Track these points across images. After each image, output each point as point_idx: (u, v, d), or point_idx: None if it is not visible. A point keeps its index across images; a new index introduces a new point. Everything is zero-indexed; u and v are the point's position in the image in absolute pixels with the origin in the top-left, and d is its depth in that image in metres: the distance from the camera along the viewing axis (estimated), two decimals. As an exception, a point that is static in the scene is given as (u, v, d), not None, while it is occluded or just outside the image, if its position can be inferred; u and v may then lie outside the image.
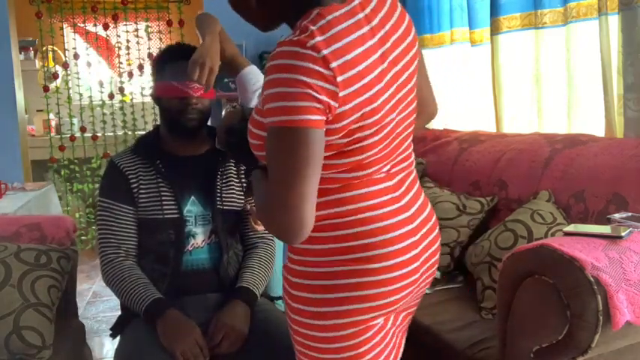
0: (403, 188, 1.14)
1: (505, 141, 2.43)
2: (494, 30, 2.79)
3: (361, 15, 1.04)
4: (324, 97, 0.95)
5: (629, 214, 1.66)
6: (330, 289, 1.07)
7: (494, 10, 2.78)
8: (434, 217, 1.22)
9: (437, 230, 1.22)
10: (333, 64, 0.96)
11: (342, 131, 1.00)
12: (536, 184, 2.13)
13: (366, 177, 1.07)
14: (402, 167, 1.15)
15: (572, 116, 2.48)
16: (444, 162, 2.61)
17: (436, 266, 1.22)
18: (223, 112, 2.28)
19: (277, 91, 0.95)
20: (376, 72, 1.03)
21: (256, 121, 1.07)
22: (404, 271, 1.09)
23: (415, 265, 1.12)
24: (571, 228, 1.60)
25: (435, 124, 3.18)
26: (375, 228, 1.07)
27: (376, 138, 1.05)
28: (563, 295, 1.37)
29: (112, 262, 1.66)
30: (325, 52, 0.96)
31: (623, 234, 1.49)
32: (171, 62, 1.66)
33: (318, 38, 0.97)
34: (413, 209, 1.14)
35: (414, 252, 1.11)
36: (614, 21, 2.16)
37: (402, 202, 1.12)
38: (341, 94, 0.97)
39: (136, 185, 1.68)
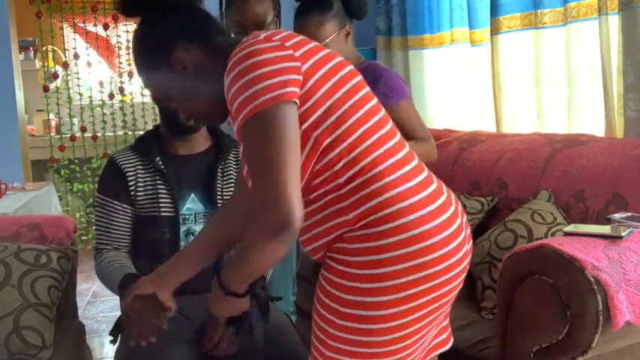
0: (426, 170, 1.15)
1: (505, 141, 2.43)
2: (494, 30, 2.80)
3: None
4: (291, 71, 1.01)
5: (629, 214, 1.66)
6: (392, 290, 1.04)
7: (494, 10, 2.78)
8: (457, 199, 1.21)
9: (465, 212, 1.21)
10: (288, 44, 1.04)
11: (322, 103, 1.04)
12: (536, 184, 2.13)
13: (392, 156, 1.08)
14: (413, 152, 1.17)
15: (572, 116, 2.48)
16: (444, 162, 2.61)
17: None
18: None
19: (241, 83, 0.99)
20: (330, 64, 1.09)
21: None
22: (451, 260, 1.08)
23: (465, 249, 1.12)
24: (571, 228, 1.61)
25: (435, 124, 3.19)
26: (424, 229, 1.05)
27: (359, 113, 1.07)
28: (563, 295, 1.37)
29: (98, 256, 1.68)
30: (277, 37, 1.05)
31: (623, 234, 1.50)
32: None
33: (264, 34, 1.06)
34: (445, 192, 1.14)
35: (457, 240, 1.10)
36: (614, 21, 2.16)
37: (435, 185, 1.12)
38: (304, 67, 1.03)
39: (133, 182, 1.68)
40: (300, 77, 1.02)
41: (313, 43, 1.11)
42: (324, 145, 1.05)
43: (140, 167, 1.70)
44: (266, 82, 0.98)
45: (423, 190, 1.08)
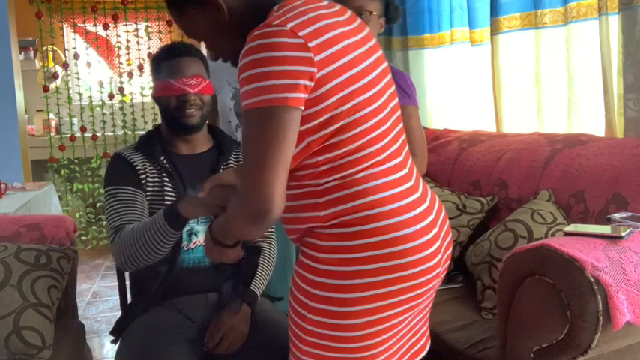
0: (414, 178, 1.16)
1: (505, 141, 2.43)
2: (494, 30, 2.79)
3: (331, 8, 1.09)
4: (304, 76, 0.99)
5: (629, 214, 1.66)
6: (360, 288, 1.07)
7: (494, 10, 2.78)
8: (442, 208, 1.23)
9: (448, 221, 1.23)
10: (312, 44, 1.01)
11: (325, 113, 1.03)
12: (536, 184, 2.13)
13: (381, 165, 1.09)
14: (408, 159, 1.18)
15: (572, 116, 2.48)
16: (444, 162, 2.61)
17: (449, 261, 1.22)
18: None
19: (253, 72, 0.98)
20: (355, 53, 1.07)
21: None
22: (429, 264, 1.11)
23: (438, 257, 1.13)
24: (571, 228, 1.61)
25: (435, 124, 3.19)
26: (396, 222, 1.07)
27: (360, 128, 1.07)
28: (563, 295, 1.37)
29: (118, 234, 1.58)
30: (303, 33, 1.01)
31: (623, 234, 1.50)
32: (167, 60, 1.67)
33: (291, 23, 1.01)
34: (428, 200, 1.16)
35: (436, 244, 1.13)
36: (614, 21, 2.16)
37: (419, 194, 1.14)
38: (319, 74, 1.01)
39: (144, 176, 1.67)
40: (312, 83, 1.01)
41: (346, 42, 1.06)
42: (313, 150, 1.06)
43: (147, 164, 1.69)
44: (277, 80, 0.98)
45: (405, 198, 1.10)
